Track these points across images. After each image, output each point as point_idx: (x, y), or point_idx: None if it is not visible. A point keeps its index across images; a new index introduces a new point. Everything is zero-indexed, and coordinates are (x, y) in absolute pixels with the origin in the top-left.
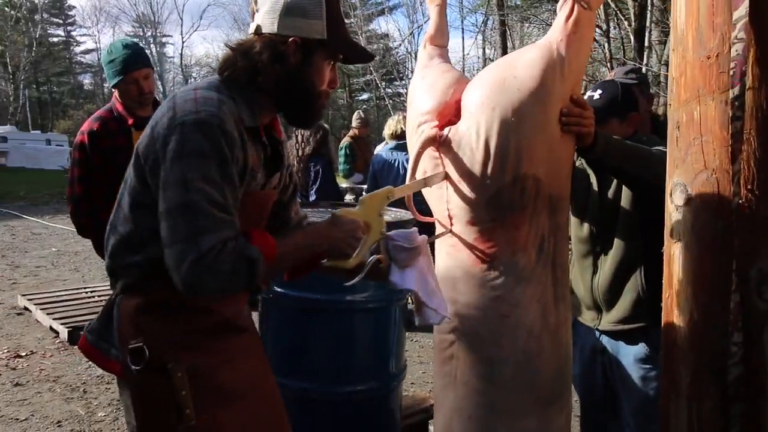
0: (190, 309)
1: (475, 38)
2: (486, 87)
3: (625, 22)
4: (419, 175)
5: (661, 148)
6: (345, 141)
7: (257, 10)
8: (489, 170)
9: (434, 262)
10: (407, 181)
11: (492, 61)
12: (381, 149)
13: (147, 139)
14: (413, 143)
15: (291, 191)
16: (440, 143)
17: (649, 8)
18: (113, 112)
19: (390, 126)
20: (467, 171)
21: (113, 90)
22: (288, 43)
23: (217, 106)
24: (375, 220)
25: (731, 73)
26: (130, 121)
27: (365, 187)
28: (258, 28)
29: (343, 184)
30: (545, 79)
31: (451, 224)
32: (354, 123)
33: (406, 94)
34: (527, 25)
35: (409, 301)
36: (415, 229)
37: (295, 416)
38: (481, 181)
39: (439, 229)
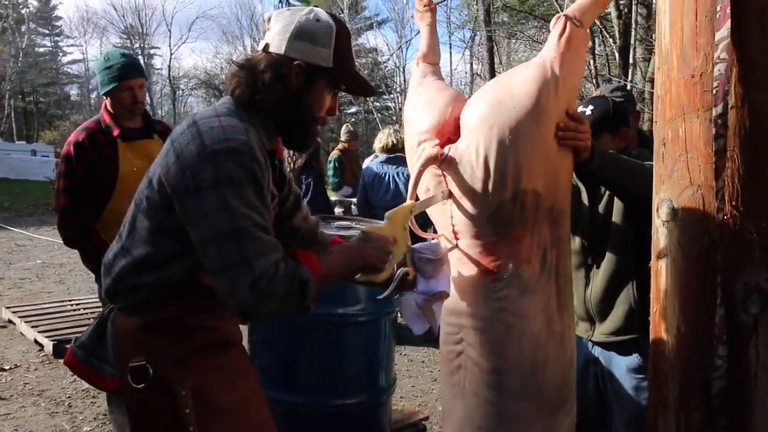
0: (191, 327)
1: (463, 53)
2: (483, 106)
3: (610, 40)
4: (421, 192)
5: (652, 162)
6: (334, 154)
7: (269, 29)
8: (489, 187)
9: None
10: (408, 197)
11: (479, 76)
12: (371, 162)
13: (174, 168)
14: (414, 161)
15: (292, 201)
16: (442, 161)
17: (633, 26)
18: (101, 123)
19: (381, 139)
20: (469, 188)
21: (104, 98)
22: (292, 66)
23: (245, 134)
24: (401, 235)
25: (714, 92)
26: (116, 132)
27: (354, 200)
28: (266, 46)
29: (332, 197)
30: (540, 97)
31: (456, 239)
32: (343, 136)
33: (395, 108)
34: (514, 41)
35: (399, 315)
36: (438, 240)
37: (285, 430)
38: (482, 197)
39: (443, 243)
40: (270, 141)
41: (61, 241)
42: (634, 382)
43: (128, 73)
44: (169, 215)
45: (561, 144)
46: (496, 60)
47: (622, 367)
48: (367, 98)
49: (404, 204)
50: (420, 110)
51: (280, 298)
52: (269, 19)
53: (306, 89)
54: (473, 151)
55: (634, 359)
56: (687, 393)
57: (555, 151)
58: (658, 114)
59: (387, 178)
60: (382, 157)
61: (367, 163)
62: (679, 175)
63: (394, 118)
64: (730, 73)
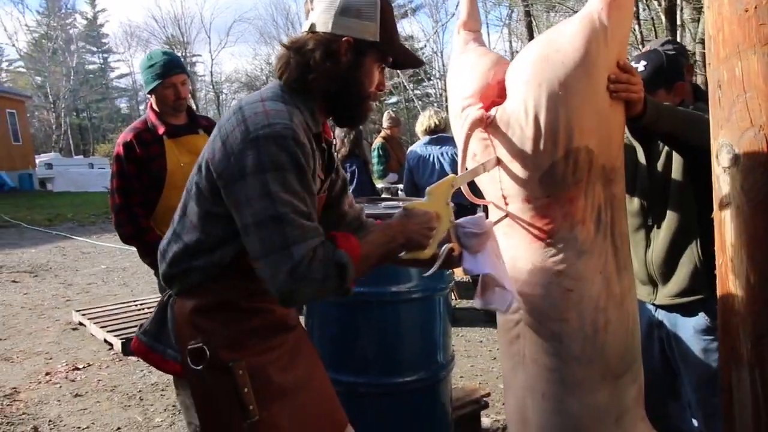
0: (243, 310)
1: (501, 32)
2: (530, 64)
3: (655, 2)
4: (469, 157)
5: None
6: (377, 142)
7: (312, 9)
8: (541, 146)
9: None
10: (459, 166)
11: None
12: (415, 145)
13: (220, 153)
14: (458, 127)
15: (340, 186)
16: (488, 124)
17: None
18: (147, 122)
19: (422, 122)
20: (518, 149)
21: (149, 97)
22: (341, 42)
23: (288, 118)
24: (443, 210)
25: None
26: (161, 130)
27: (401, 186)
28: (312, 26)
29: (378, 184)
30: (589, 50)
31: (506, 204)
32: (385, 123)
33: (435, 94)
34: (553, 14)
35: (453, 295)
36: (482, 214)
37: (345, 410)
38: (533, 158)
39: (492, 210)
40: (315, 123)
41: (123, 247)
42: (702, 344)
43: (170, 70)
44: (217, 201)
45: (613, 97)
46: (536, 35)
47: (688, 328)
48: (407, 87)
49: (445, 178)
50: (463, 76)
51: (319, 283)
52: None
53: (356, 65)
54: (522, 110)
55: (701, 320)
56: (761, 345)
57: (607, 105)
58: (711, 55)
59: (431, 159)
60: (425, 138)
61: (412, 147)
62: (739, 117)
63: (435, 104)
64: None
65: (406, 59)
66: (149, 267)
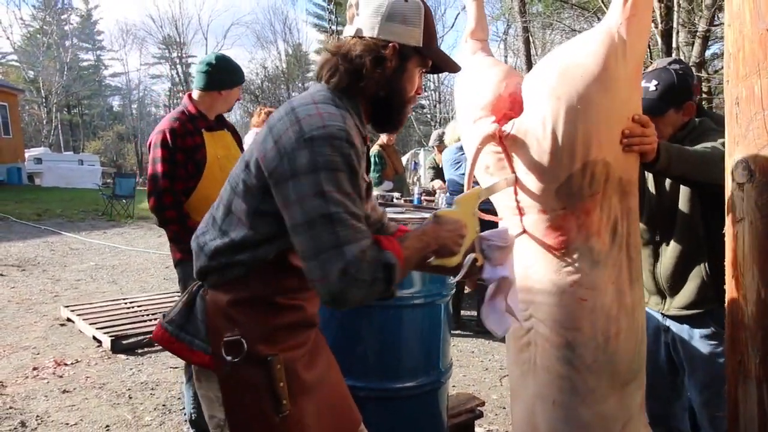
0: (279, 305)
1: (498, 46)
2: (548, 77)
3: (651, 24)
4: (482, 169)
5: (716, 145)
6: (374, 149)
7: (358, 14)
8: (558, 159)
9: None
10: (466, 177)
11: (515, 68)
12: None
13: (272, 152)
14: (469, 138)
15: (365, 189)
16: (502, 138)
17: (676, 10)
18: (186, 113)
19: (451, 132)
20: (535, 162)
21: (200, 91)
22: (388, 48)
23: (342, 121)
24: (470, 220)
25: None
26: (201, 123)
27: (396, 194)
28: (358, 30)
29: (374, 192)
30: (608, 64)
31: (522, 214)
32: None
33: (429, 105)
34: (550, 31)
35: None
36: (506, 227)
37: None
38: (550, 170)
39: (505, 222)
40: (363, 126)
41: (112, 244)
42: (709, 348)
43: (237, 82)
44: (265, 198)
45: (626, 150)
46: (532, 51)
47: (695, 334)
48: None
49: (472, 189)
50: (474, 87)
51: (368, 284)
52: (357, 4)
53: (400, 69)
54: (539, 123)
55: (707, 326)
56: None
57: (625, 118)
58: (730, 73)
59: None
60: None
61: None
62: (756, 135)
63: (428, 116)
64: None
65: (446, 64)
66: (180, 254)
